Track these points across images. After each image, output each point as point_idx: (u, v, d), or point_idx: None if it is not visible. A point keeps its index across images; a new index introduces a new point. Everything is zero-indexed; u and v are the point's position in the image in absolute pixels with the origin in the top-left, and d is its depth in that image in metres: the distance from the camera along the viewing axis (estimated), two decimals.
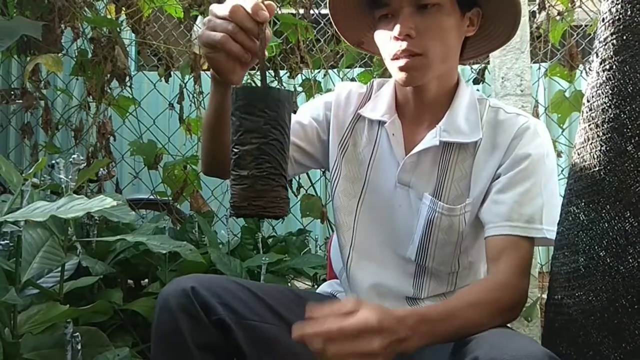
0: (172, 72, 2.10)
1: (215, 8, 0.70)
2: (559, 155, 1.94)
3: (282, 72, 2.07)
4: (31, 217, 0.94)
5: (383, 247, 0.97)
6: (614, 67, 0.69)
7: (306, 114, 1.03)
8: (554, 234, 0.84)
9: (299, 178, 2.08)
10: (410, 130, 0.96)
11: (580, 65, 1.89)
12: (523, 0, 1.54)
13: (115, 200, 1.00)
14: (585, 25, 1.97)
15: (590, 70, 0.75)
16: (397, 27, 0.86)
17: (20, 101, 2.11)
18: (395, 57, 0.88)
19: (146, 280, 1.72)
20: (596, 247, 0.70)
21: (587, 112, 0.74)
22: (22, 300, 1.12)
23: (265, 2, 0.68)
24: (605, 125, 0.70)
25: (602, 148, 0.70)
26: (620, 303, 0.67)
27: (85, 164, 1.51)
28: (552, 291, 0.80)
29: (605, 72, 0.70)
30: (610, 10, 0.70)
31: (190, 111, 2.16)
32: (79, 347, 1.11)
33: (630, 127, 0.67)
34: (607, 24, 0.71)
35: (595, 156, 0.71)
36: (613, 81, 0.69)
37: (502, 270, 0.84)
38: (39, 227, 1.22)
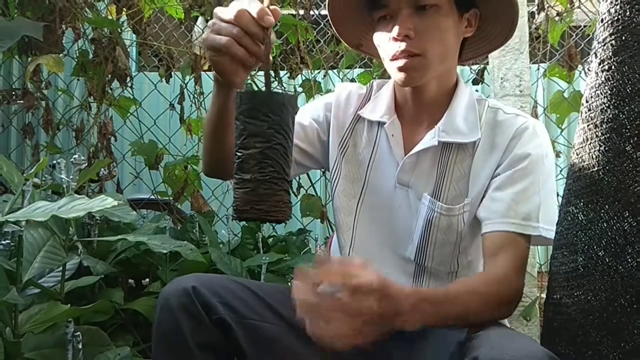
0: (172, 73, 2.10)
1: (220, 11, 0.70)
2: (557, 155, 1.94)
3: (282, 73, 2.08)
4: (32, 217, 0.94)
5: (383, 247, 0.97)
6: (613, 67, 0.69)
7: (306, 115, 1.03)
8: (550, 232, 0.85)
9: (299, 178, 2.09)
10: (409, 131, 0.96)
11: (579, 65, 1.89)
12: (522, 0, 1.54)
13: (116, 200, 1.00)
14: (584, 26, 1.98)
15: (589, 70, 0.75)
16: (396, 28, 0.86)
17: (22, 101, 2.11)
18: (394, 58, 0.88)
19: (147, 279, 1.72)
20: (595, 247, 0.71)
21: (586, 113, 0.74)
22: (23, 300, 1.12)
23: (271, 7, 0.68)
24: (604, 126, 0.70)
25: (600, 148, 0.71)
26: (619, 302, 0.68)
27: (86, 164, 1.51)
28: (551, 291, 0.80)
29: (604, 73, 0.71)
30: (609, 10, 0.70)
31: (191, 111, 2.17)
32: (80, 346, 1.11)
33: (629, 127, 0.68)
34: (606, 24, 0.71)
35: (594, 156, 0.71)
36: (612, 81, 0.70)
37: (500, 266, 0.84)
38: (40, 227, 1.22)
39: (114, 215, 1.22)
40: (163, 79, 2.10)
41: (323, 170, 1.17)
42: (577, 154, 0.75)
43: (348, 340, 0.66)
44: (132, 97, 2.13)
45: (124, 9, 2.03)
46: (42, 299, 1.21)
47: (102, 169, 1.99)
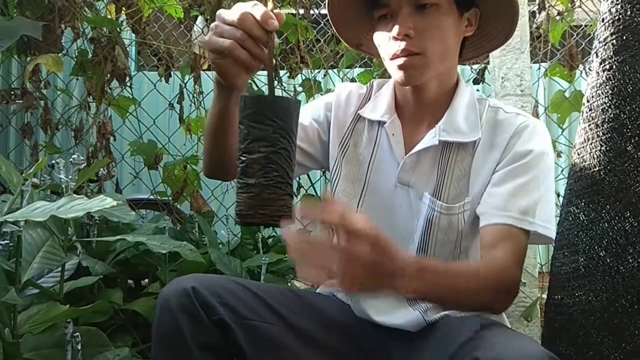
0: (172, 72, 2.09)
1: (223, 13, 0.69)
2: (558, 155, 1.94)
3: (282, 72, 2.07)
4: (31, 217, 0.94)
5: None
6: (614, 67, 0.69)
7: (307, 115, 1.03)
8: (547, 230, 0.85)
9: (299, 178, 2.08)
10: (410, 130, 0.96)
11: (580, 65, 1.89)
12: (522, 0, 1.54)
13: (115, 200, 1.00)
14: (585, 26, 1.97)
15: (590, 70, 0.75)
16: (396, 27, 0.86)
17: (21, 101, 2.11)
18: (394, 57, 0.88)
19: (146, 280, 1.72)
20: (596, 247, 0.70)
21: (587, 112, 0.74)
22: (22, 300, 1.12)
23: (275, 11, 0.67)
24: (605, 125, 0.70)
25: (602, 148, 0.70)
26: (620, 303, 0.68)
27: (85, 164, 1.51)
28: (552, 291, 0.80)
29: (605, 72, 0.70)
30: (610, 10, 0.70)
31: (191, 111, 2.16)
32: (79, 347, 1.10)
33: (630, 127, 0.68)
34: (607, 24, 0.71)
35: (595, 156, 0.71)
36: (613, 81, 0.69)
37: (499, 256, 0.83)
38: (39, 227, 1.22)
39: (113, 216, 1.22)
40: (162, 79, 2.09)
41: (323, 170, 1.17)
42: (578, 154, 0.75)
43: (342, 285, 0.65)
44: (131, 96, 2.13)
45: (123, 9, 2.02)
46: (41, 300, 1.21)
47: (101, 169, 1.99)
